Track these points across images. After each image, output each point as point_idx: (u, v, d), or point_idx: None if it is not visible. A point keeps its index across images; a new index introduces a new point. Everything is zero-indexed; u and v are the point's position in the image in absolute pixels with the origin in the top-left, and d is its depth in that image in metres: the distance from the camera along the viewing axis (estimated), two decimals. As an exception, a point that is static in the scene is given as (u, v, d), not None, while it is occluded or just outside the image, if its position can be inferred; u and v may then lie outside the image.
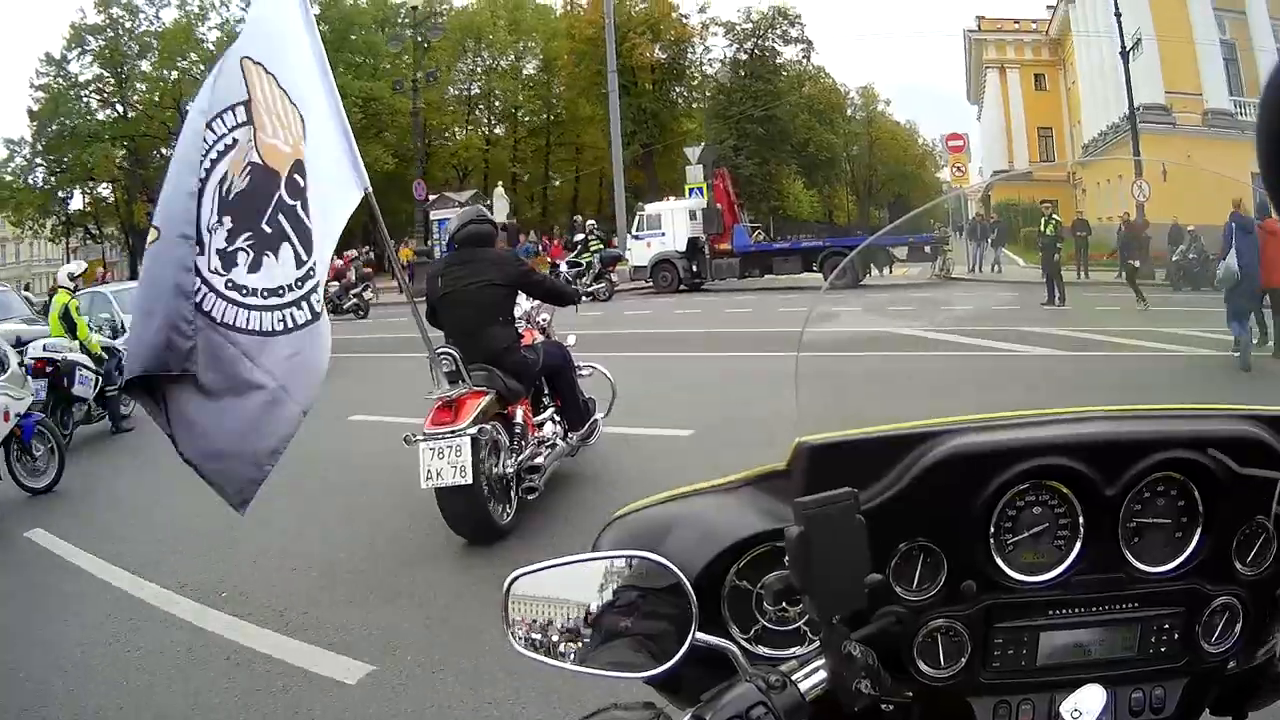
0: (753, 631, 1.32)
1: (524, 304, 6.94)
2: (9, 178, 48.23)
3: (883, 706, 1.23)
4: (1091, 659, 1.26)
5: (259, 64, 4.45)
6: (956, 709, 1.27)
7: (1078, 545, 1.27)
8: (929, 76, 76.22)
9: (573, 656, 1.24)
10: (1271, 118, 0.72)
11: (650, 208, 30.40)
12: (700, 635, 1.16)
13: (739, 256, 27.97)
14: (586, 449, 7.09)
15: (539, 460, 6.34)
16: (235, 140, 4.28)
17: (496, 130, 53.67)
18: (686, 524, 1.35)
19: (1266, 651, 1.34)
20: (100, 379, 11.24)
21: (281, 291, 4.28)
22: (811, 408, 1.59)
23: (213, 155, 4.21)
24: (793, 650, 1.30)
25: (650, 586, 1.24)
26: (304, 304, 4.32)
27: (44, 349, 10.85)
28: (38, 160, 48.57)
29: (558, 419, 6.94)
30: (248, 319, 4.17)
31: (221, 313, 4.11)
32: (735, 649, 1.18)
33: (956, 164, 39.64)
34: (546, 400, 7.01)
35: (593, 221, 31.04)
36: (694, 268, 28.19)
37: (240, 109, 4.33)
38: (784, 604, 1.30)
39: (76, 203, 49.97)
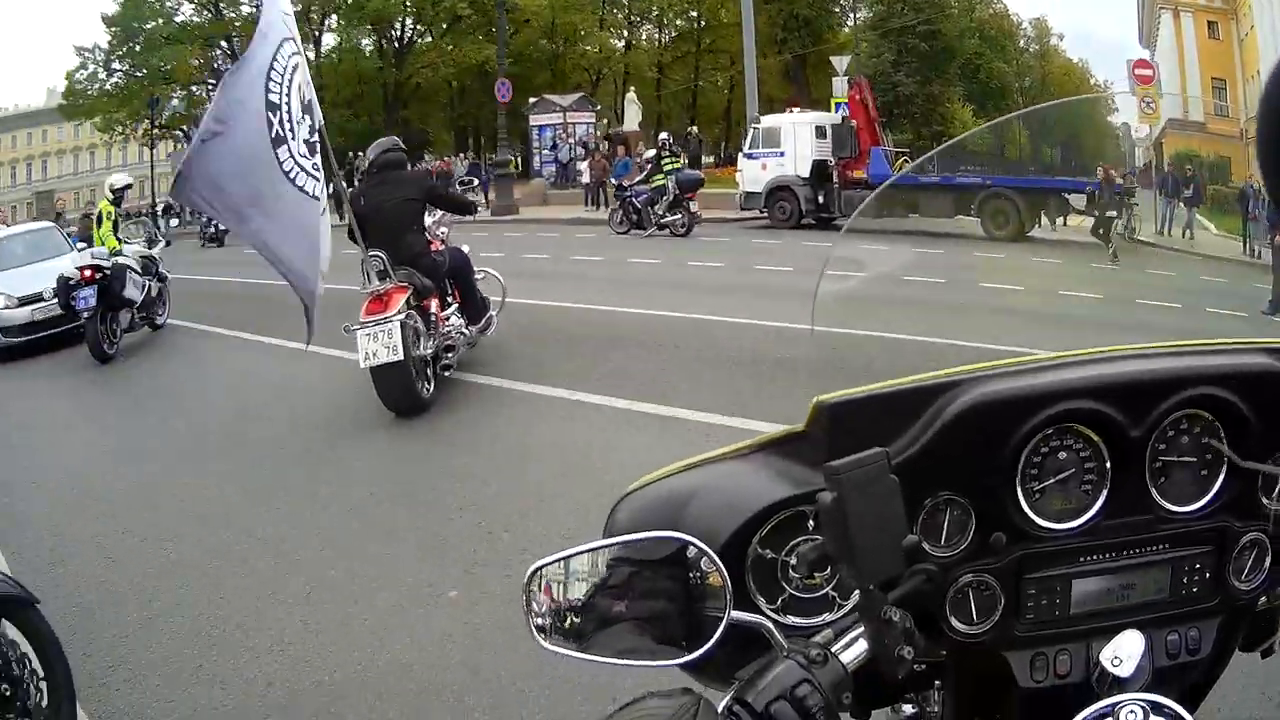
0: (779, 601, 1.29)
1: (426, 219, 8.22)
2: (79, 85, 46.97)
3: (916, 667, 1.14)
4: (1125, 604, 1.25)
5: (287, 15, 6.76)
6: (992, 664, 1.25)
7: (1105, 489, 1.27)
8: (1098, 20, 69.48)
9: (601, 646, 1.20)
10: (1272, 115, 0.74)
11: (767, 120, 24.33)
12: (734, 613, 1.14)
13: (875, 189, 22.47)
14: (484, 340, 8.74)
15: (451, 342, 7.96)
16: (297, 64, 6.51)
17: (641, 33, 49.54)
18: (704, 496, 1.30)
19: None
20: (147, 284, 12.58)
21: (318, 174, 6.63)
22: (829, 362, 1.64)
23: (285, 73, 6.30)
24: (823, 617, 1.28)
25: (673, 566, 1.20)
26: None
27: (92, 257, 11.88)
28: (115, 65, 46.54)
29: (459, 315, 8.30)
30: (315, 189, 6.47)
31: (304, 184, 6.33)
32: (769, 624, 1.15)
33: (1145, 97, 33.66)
34: (450, 299, 8.27)
35: (666, 135, 24.62)
36: (820, 198, 22.24)
37: (291, 43, 6.53)
38: (812, 572, 1.25)
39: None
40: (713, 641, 1.12)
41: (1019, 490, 1.24)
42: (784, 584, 1.27)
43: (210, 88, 46.36)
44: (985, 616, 1.23)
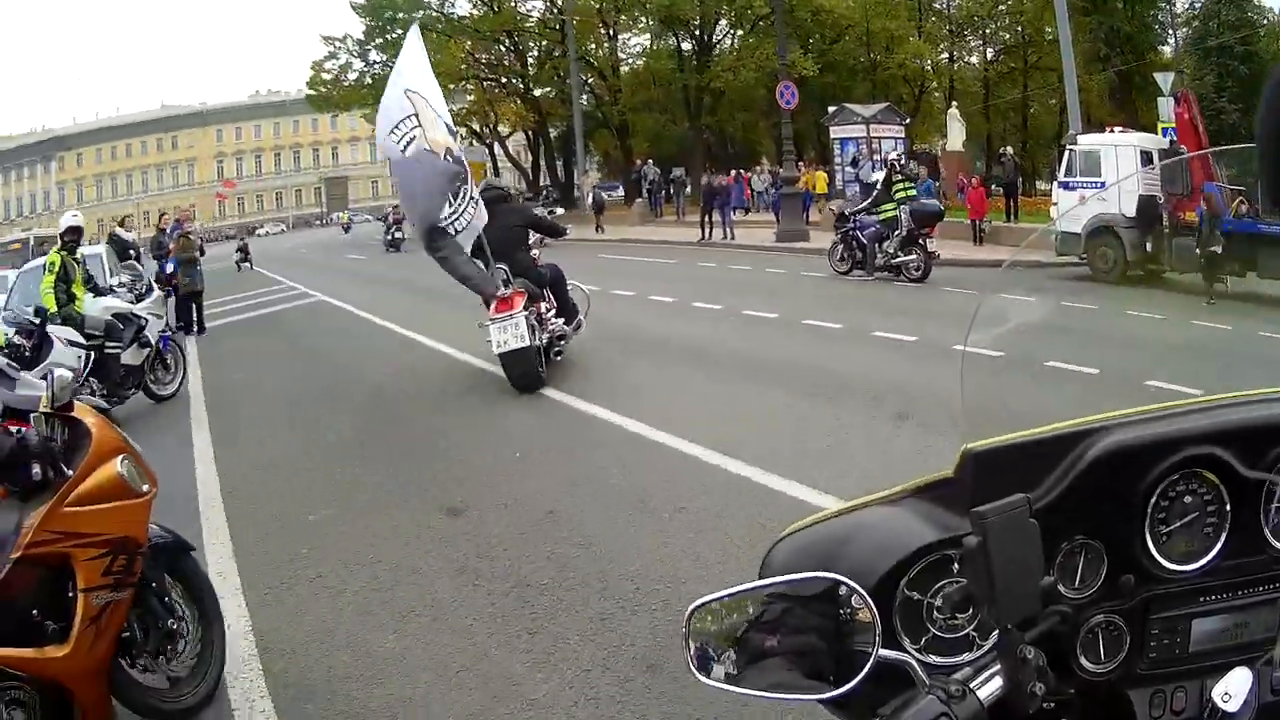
0: (923, 641, 1.35)
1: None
2: (329, 75, 48.17)
3: (1044, 705, 1.19)
4: (1237, 642, 1.32)
5: (415, 93, 9.14)
6: (1114, 701, 1.33)
7: (1225, 531, 1.34)
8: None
9: (753, 681, 1.23)
10: (1273, 120, 0.75)
11: (1084, 141, 19.34)
12: (882, 651, 1.17)
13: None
14: (575, 336, 10.57)
15: (560, 334, 10.03)
16: (413, 139, 8.92)
17: (967, 45, 47.32)
18: (857, 539, 1.39)
19: None
20: (91, 353, 9.82)
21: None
22: (977, 411, 1.60)
23: (401, 144, 8.89)
24: (963, 656, 1.31)
25: (825, 603, 1.24)
26: (451, 228, 9.19)
27: (4, 323, 9.90)
28: (371, 55, 46.78)
29: (557, 316, 10.20)
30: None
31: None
32: (913, 661, 1.19)
33: None
34: (549, 306, 10.12)
35: (898, 154, 19.88)
36: (1147, 244, 14.56)
37: (413, 118, 8.94)
38: (955, 613, 1.33)
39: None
40: (860, 678, 1.16)
41: (1148, 534, 1.32)
42: (928, 624, 1.35)
43: (483, 84, 46.92)
44: (1113, 655, 1.32)
